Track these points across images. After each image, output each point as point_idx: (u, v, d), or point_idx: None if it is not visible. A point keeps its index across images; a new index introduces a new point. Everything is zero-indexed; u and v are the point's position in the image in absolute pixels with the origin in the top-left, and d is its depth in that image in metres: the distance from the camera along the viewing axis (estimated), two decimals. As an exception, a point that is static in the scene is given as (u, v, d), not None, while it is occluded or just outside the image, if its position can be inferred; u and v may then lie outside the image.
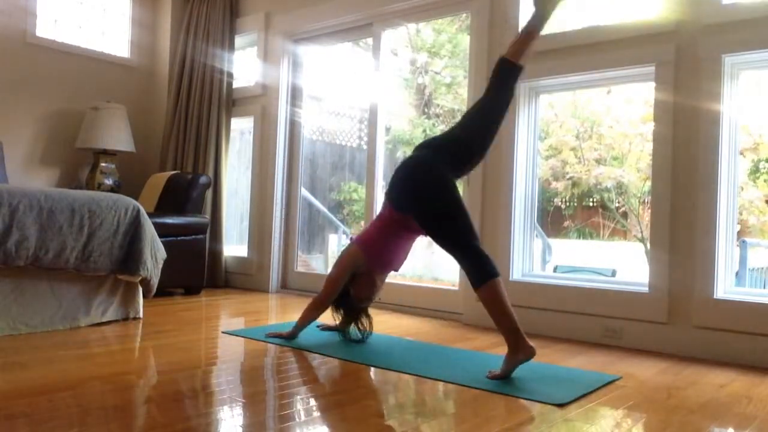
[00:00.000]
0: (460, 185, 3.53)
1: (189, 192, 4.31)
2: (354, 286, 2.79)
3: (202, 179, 4.40)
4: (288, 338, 2.80)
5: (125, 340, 2.76)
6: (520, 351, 2.25)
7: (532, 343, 2.27)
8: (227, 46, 4.75)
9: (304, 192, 4.81)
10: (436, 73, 6.37)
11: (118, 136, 4.59)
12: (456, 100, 6.03)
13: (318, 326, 3.05)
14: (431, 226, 2.53)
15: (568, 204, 5.05)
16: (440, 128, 6.35)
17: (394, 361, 2.48)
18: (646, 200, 4.47)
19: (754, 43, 2.71)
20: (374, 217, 3.81)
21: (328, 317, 3.00)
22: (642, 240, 4.41)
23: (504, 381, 2.21)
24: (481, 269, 2.35)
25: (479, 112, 2.63)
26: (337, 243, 5.64)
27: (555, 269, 4.17)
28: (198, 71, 4.81)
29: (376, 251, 2.76)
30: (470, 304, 3.43)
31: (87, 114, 4.61)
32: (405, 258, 2.85)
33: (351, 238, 2.89)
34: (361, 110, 5.73)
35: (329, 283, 2.80)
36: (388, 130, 4.14)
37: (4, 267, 2.68)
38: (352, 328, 2.85)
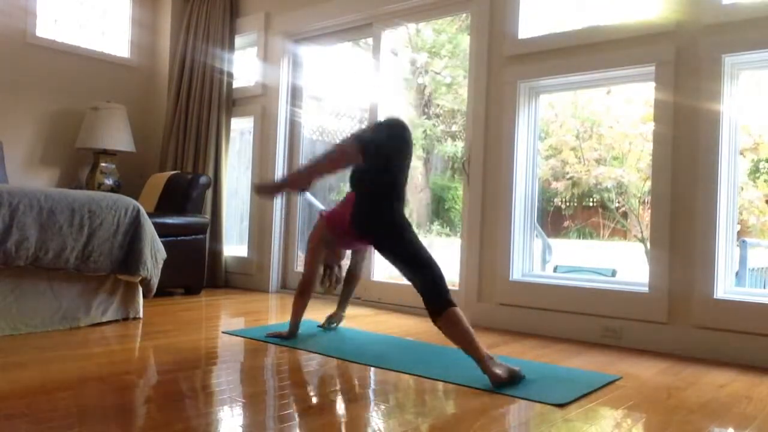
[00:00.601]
0: (460, 184, 3.52)
1: (189, 192, 4.31)
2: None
3: (202, 179, 4.40)
4: (287, 338, 2.80)
5: (125, 340, 2.77)
6: (491, 376, 2.12)
7: (500, 370, 2.13)
8: (227, 46, 4.75)
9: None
10: (436, 73, 6.37)
11: (118, 136, 4.60)
12: (456, 100, 6.03)
13: (318, 326, 3.06)
14: (388, 246, 2.49)
15: (568, 204, 5.05)
16: (440, 128, 6.35)
17: (394, 361, 2.48)
18: (646, 200, 4.47)
19: (754, 43, 2.71)
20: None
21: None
22: (642, 240, 4.40)
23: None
24: (439, 296, 2.28)
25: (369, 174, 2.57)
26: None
27: (555, 269, 4.17)
28: (198, 71, 4.81)
29: (337, 219, 2.73)
30: (470, 305, 3.43)
31: (87, 114, 4.61)
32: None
33: (321, 213, 2.90)
34: (361, 110, 5.72)
35: (306, 266, 2.88)
36: (388, 130, 4.14)
37: (4, 267, 2.68)
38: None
